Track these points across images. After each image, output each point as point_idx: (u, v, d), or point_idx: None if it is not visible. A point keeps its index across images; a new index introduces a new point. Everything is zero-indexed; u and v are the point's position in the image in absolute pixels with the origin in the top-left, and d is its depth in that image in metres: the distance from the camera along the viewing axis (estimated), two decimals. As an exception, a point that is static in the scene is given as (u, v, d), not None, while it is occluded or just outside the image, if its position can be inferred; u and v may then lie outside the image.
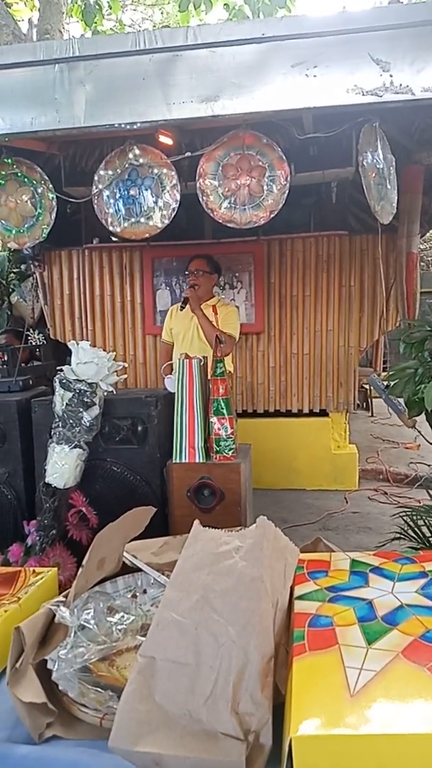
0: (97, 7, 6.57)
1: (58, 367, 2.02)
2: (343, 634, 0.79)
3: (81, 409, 1.93)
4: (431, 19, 2.02)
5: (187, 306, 3.33)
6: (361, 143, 2.30)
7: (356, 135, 2.41)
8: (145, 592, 1.05)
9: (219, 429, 2.05)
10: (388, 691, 0.68)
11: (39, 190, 2.52)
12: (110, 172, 2.45)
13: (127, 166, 2.43)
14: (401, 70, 2.05)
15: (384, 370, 5.50)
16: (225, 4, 6.58)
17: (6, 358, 2.56)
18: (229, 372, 3.44)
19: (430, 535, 2.35)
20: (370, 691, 0.68)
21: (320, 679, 0.72)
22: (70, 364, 1.98)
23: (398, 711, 0.65)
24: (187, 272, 3.42)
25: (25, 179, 2.52)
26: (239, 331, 3.39)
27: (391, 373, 2.34)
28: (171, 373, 3.28)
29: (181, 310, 3.28)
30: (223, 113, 2.05)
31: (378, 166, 2.29)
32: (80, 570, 0.93)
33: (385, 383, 2.72)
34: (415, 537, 2.38)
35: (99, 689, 0.82)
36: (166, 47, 2.10)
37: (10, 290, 5.35)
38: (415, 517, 2.44)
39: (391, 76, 2.06)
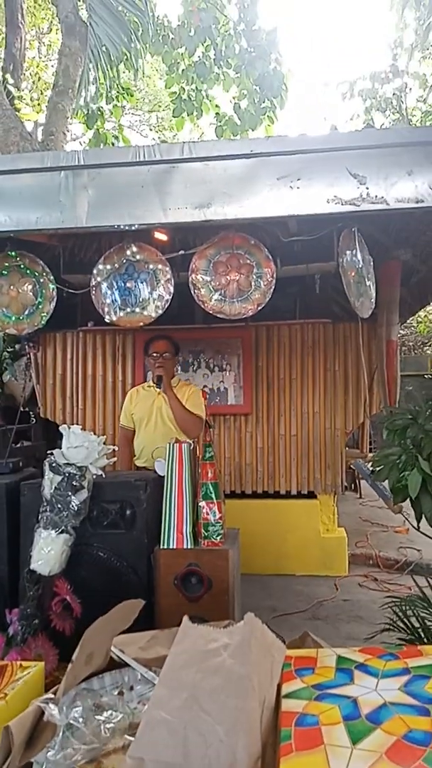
0: (98, 113, 7.17)
1: (49, 451, 2.04)
2: (328, 733, 0.80)
3: (69, 493, 1.94)
4: (400, 141, 2.27)
5: (151, 389, 3.25)
6: (340, 245, 2.49)
7: (337, 237, 2.61)
8: (131, 688, 1.04)
9: (207, 513, 2.07)
10: (373, 795, 0.69)
11: (41, 281, 2.66)
12: (108, 266, 2.61)
13: (124, 261, 2.60)
14: (376, 183, 2.27)
15: (370, 451, 5.56)
16: (216, 114, 7.21)
17: (-3, 439, 2.59)
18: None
19: (419, 626, 2.32)
20: (355, 795, 0.69)
21: (307, 782, 0.72)
22: (60, 446, 2.01)
23: None
24: (152, 354, 3.21)
25: (27, 271, 2.67)
26: (205, 413, 3.23)
27: (375, 459, 2.39)
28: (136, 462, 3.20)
29: (158, 387, 3.14)
30: (214, 218, 2.23)
31: (357, 265, 2.47)
32: (69, 665, 0.93)
33: (371, 468, 2.77)
34: (404, 628, 2.34)
35: (84, 794, 0.81)
36: (163, 159, 2.32)
37: (3, 369, 5.44)
38: (404, 607, 2.41)
39: (367, 188, 2.27)
